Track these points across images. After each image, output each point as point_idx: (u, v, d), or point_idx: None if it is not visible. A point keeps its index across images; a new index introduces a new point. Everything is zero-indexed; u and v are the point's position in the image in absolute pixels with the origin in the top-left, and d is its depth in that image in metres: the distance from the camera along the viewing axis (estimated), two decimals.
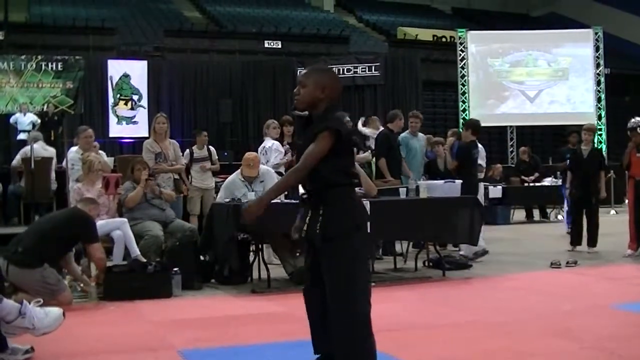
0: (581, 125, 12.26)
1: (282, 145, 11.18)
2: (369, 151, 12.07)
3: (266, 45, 26.71)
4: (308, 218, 4.22)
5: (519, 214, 18.35)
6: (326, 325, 4.22)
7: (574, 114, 25.46)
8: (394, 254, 10.16)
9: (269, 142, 11.17)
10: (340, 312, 4.09)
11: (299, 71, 23.49)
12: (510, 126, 26.66)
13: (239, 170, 9.65)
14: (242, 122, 23.93)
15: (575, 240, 11.52)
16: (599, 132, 25.92)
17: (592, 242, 11.32)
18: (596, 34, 26.47)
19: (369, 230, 4.63)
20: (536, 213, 18.64)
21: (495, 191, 16.62)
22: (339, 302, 4.09)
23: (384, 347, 5.19)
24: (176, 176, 10.62)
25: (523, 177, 18.36)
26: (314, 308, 4.39)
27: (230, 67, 24.82)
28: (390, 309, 6.91)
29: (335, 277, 4.11)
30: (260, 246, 8.52)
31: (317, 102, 4.26)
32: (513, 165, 19.77)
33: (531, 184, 18.09)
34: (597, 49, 26.34)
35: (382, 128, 12.58)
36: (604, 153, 11.73)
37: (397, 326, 6.05)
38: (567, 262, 9.79)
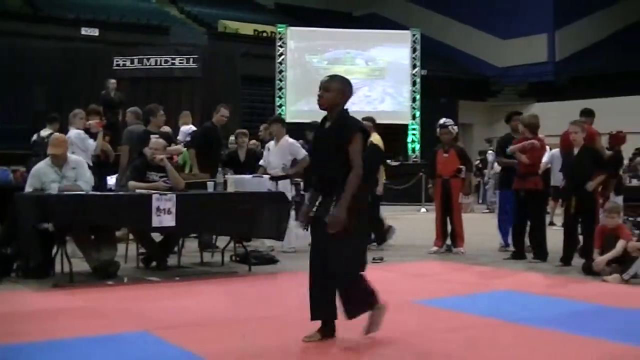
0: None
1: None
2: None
3: (83, 32, 25.99)
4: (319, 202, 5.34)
5: None
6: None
7: (389, 112, 26.13)
8: (213, 248, 10.17)
9: (73, 132, 10.91)
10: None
11: (115, 61, 23.03)
12: None
13: (48, 157, 9.32)
14: (57, 110, 23.10)
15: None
16: (413, 132, 26.77)
17: (381, 240, 11.56)
18: (414, 35, 27.27)
19: None
20: None
21: None
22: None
23: (182, 343, 5.24)
24: None
25: None
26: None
27: (46, 53, 23.97)
28: (193, 304, 6.95)
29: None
30: (64, 239, 8.31)
31: (335, 107, 5.30)
32: None
33: None
34: (414, 50, 27.16)
35: (190, 125, 12.72)
36: (382, 148, 11.85)
37: (199, 321, 6.11)
38: (374, 259, 9.94)
